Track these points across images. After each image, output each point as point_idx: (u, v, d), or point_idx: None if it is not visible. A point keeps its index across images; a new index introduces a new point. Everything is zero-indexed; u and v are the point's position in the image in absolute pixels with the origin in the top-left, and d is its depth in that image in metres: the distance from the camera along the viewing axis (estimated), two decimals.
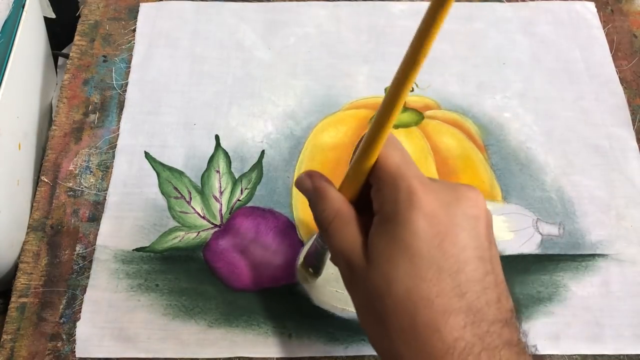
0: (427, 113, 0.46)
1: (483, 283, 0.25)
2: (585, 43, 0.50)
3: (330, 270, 0.39)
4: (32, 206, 0.42)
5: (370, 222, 0.28)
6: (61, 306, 0.38)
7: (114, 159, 0.43)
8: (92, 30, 0.50)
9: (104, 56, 0.48)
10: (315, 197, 0.29)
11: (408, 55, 0.23)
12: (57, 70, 0.52)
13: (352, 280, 0.28)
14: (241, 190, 0.42)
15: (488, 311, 0.25)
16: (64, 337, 0.37)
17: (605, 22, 0.51)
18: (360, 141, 0.28)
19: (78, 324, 0.37)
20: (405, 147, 0.44)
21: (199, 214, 0.41)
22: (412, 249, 0.25)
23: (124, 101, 0.46)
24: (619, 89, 0.47)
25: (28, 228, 0.41)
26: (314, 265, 0.36)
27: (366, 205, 0.28)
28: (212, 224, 0.41)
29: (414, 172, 0.27)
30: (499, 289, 0.26)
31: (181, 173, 0.43)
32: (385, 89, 0.46)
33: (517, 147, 0.44)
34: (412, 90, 0.47)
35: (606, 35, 0.50)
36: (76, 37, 0.49)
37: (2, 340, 0.36)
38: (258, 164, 0.43)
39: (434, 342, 0.24)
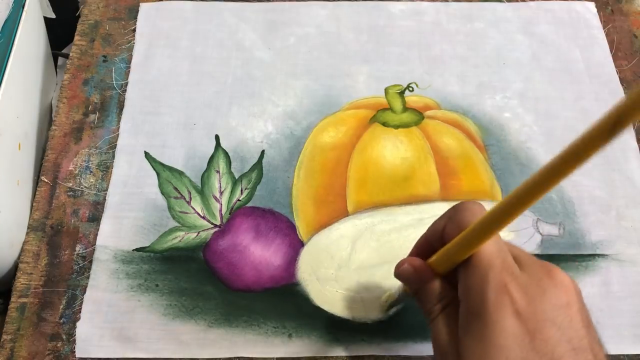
0: (427, 113, 0.46)
1: None
2: (585, 43, 0.50)
3: (330, 271, 0.39)
4: (32, 206, 0.42)
5: (456, 302, 0.27)
6: (61, 306, 0.38)
7: (114, 159, 0.43)
8: (92, 30, 0.50)
9: (104, 56, 0.48)
10: (422, 293, 0.29)
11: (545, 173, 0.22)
12: (57, 70, 0.52)
13: None
14: (241, 191, 0.42)
15: None
16: (64, 337, 0.37)
17: (605, 22, 0.51)
18: (452, 213, 0.28)
19: (78, 324, 0.37)
20: (405, 147, 0.44)
21: (199, 214, 0.41)
22: (505, 351, 0.24)
23: (124, 101, 0.46)
24: (619, 89, 0.47)
25: (28, 228, 0.41)
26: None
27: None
28: (212, 224, 0.41)
29: (504, 263, 0.26)
30: None
31: (181, 173, 0.43)
32: (386, 90, 0.47)
33: (517, 147, 0.44)
34: (412, 90, 0.47)
35: (606, 35, 0.50)
36: (76, 37, 0.49)
37: (2, 340, 0.36)
38: (258, 164, 0.43)
39: None
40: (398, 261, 0.31)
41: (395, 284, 0.34)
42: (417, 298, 0.30)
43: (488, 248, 0.26)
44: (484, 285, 0.25)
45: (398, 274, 0.31)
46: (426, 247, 0.30)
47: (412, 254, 0.31)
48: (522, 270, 0.26)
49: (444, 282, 0.29)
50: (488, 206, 0.30)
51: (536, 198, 0.22)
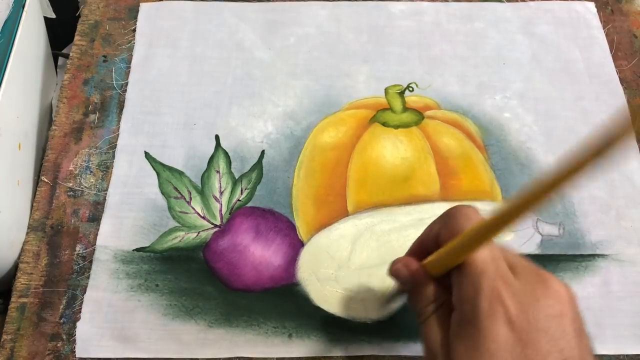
0: (427, 113, 0.46)
1: None
2: (585, 43, 0.50)
3: (330, 271, 0.39)
4: (32, 206, 0.42)
5: (449, 308, 0.27)
6: (61, 306, 0.38)
7: (114, 159, 0.43)
8: (92, 30, 0.50)
9: (104, 56, 0.48)
10: (415, 293, 0.29)
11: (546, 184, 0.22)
12: (57, 70, 0.52)
13: None
14: (241, 191, 0.42)
15: None
16: (64, 337, 0.37)
17: (605, 22, 0.51)
18: (446, 219, 0.28)
19: (78, 324, 0.37)
20: (405, 147, 0.44)
21: (199, 214, 0.41)
22: (495, 359, 0.24)
23: (124, 101, 0.46)
24: (619, 89, 0.47)
25: (28, 228, 0.41)
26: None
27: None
28: (212, 224, 0.41)
29: (498, 270, 0.26)
30: None
31: (181, 173, 0.43)
32: (386, 90, 0.47)
33: (517, 147, 0.44)
34: (412, 90, 0.47)
35: (606, 35, 0.50)
36: (76, 37, 0.49)
37: (2, 340, 0.36)
38: (258, 164, 0.43)
39: None
40: None
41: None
42: (409, 298, 0.30)
43: (481, 255, 0.26)
44: (477, 293, 0.25)
45: (393, 273, 0.31)
46: (421, 249, 0.30)
47: (408, 255, 0.31)
48: (516, 277, 0.26)
49: (437, 284, 0.29)
50: (488, 207, 0.30)
51: (533, 207, 0.22)
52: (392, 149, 0.44)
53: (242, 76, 0.48)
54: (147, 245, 0.40)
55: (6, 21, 0.41)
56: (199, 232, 0.40)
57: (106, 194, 0.42)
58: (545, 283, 0.26)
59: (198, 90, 0.47)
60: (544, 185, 0.21)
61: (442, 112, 0.46)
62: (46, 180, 0.42)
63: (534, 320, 0.25)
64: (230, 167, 0.43)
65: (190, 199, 0.42)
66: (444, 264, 0.28)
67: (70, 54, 0.48)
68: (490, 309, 0.25)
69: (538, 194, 0.22)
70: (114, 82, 0.47)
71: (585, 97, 0.47)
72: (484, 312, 0.25)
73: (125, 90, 0.46)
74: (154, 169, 0.43)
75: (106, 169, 0.43)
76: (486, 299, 0.25)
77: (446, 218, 0.28)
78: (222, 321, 0.37)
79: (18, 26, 0.42)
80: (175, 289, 0.38)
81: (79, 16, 0.50)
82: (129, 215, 0.41)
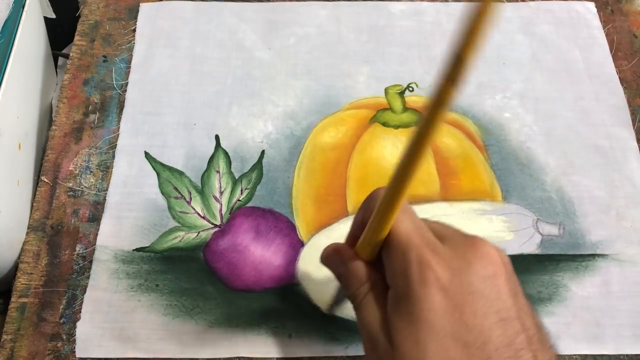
0: None
1: (514, 346, 0.24)
2: (585, 43, 0.50)
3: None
4: (32, 206, 0.42)
5: (386, 288, 0.27)
6: (61, 306, 0.38)
7: (114, 159, 0.43)
8: (92, 30, 0.50)
9: (104, 56, 0.48)
10: (345, 274, 0.29)
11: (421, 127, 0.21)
12: (57, 70, 0.52)
13: (372, 356, 0.27)
14: (241, 191, 0.42)
15: None
16: (64, 337, 0.37)
17: (605, 22, 0.51)
18: (365, 202, 0.28)
19: (78, 324, 0.37)
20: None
21: (199, 214, 0.41)
22: (435, 327, 0.24)
23: (124, 101, 0.46)
24: (619, 89, 0.47)
25: (28, 228, 0.41)
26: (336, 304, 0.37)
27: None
28: (212, 224, 0.41)
29: (423, 239, 0.26)
30: (533, 346, 0.24)
31: (181, 173, 0.43)
32: (386, 90, 0.47)
33: (517, 147, 0.44)
34: (412, 90, 0.47)
35: (606, 35, 0.50)
36: (76, 37, 0.49)
37: (2, 340, 0.36)
38: (258, 164, 0.43)
39: None
40: None
41: None
42: (342, 282, 0.29)
43: (404, 227, 0.26)
44: (406, 264, 0.25)
45: (322, 260, 0.30)
46: (351, 239, 0.30)
47: None
48: (445, 244, 0.26)
49: (368, 265, 0.28)
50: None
51: (419, 162, 0.22)
52: (392, 149, 0.44)
53: (242, 76, 0.48)
54: (147, 245, 0.40)
55: (6, 21, 0.41)
56: (199, 232, 0.40)
57: (106, 194, 0.42)
58: (475, 246, 0.26)
59: (198, 90, 0.47)
60: (421, 131, 0.21)
61: None
62: (46, 180, 0.42)
63: (467, 284, 0.24)
64: (230, 167, 0.43)
65: (190, 199, 0.42)
66: (370, 245, 0.27)
67: (70, 54, 0.48)
68: (421, 278, 0.24)
69: (422, 132, 0.21)
70: (114, 82, 0.47)
71: (585, 97, 0.47)
72: (416, 282, 0.24)
73: (125, 90, 0.46)
74: (154, 169, 0.43)
75: (106, 169, 0.43)
76: (416, 269, 0.25)
77: (365, 202, 0.28)
78: (222, 321, 0.37)
79: (18, 26, 0.42)
80: (175, 289, 0.38)
81: (79, 16, 0.50)
82: (129, 215, 0.41)
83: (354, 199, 0.42)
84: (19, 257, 0.40)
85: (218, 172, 0.43)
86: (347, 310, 0.38)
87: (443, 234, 0.27)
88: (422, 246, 0.25)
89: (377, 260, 0.28)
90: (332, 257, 0.30)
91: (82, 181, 0.42)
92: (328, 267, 0.30)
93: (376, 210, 0.26)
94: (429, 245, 0.25)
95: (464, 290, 0.24)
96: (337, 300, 0.35)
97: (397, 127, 0.45)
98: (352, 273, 0.28)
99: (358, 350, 0.37)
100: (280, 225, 0.41)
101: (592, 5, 0.52)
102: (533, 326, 0.25)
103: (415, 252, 0.25)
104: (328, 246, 0.30)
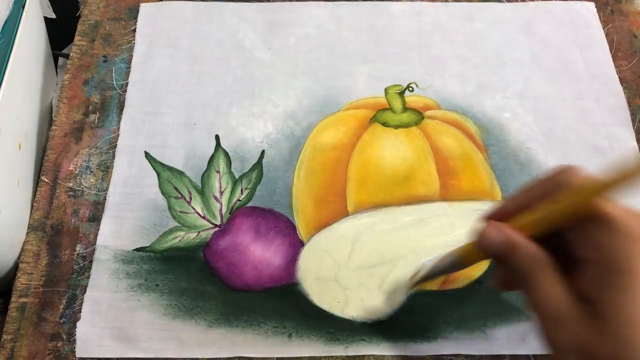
0: (427, 113, 0.46)
1: None
2: (585, 43, 0.50)
3: (331, 271, 0.39)
4: (32, 206, 0.42)
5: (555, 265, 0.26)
6: (61, 306, 0.38)
7: (114, 159, 0.43)
8: (92, 31, 0.50)
9: (104, 56, 0.48)
10: (516, 253, 0.27)
11: None
12: (57, 70, 0.52)
13: (574, 344, 0.25)
14: (241, 190, 0.42)
15: None
16: (64, 337, 0.37)
17: (605, 22, 0.51)
18: (558, 177, 0.27)
19: (78, 324, 0.37)
20: (405, 147, 0.44)
21: (199, 214, 0.41)
22: None
23: (124, 101, 0.46)
24: (619, 89, 0.47)
25: (28, 228, 0.41)
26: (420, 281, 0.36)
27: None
28: (212, 224, 0.41)
29: (635, 214, 0.25)
30: None
31: (181, 173, 0.43)
32: (386, 90, 0.47)
33: (517, 147, 0.44)
34: (412, 90, 0.47)
35: (606, 35, 0.50)
36: (76, 37, 0.49)
37: (2, 340, 0.37)
38: (258, 164, 0.43)
39: None
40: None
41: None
42: (505, 264, 0.28)
43: (616, 205, 0.25)
44: (624, 239, 0.25)
45: (482, 239, 0.28)
46: (513, 210, 0.28)
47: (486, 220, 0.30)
48: None
49: (537, 243, 0.27)
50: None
51: None
52: (392, 149, 0.44)
53: (242, 76, 0.48)
54: (147, 245, 0.40)
55: (6, 21, 0.41)
56: (199, 232, 0.40)
57: (106, 194, 0.42)
58: None
59: (198, 90, 0.47)
60: None
61: (442, 112, 0.46)
62: (46, 180, 0.42)
63: None
64: (230, 167, 0.43)
65: (191, 199, 0.42)
66: (553, 221, 0.26)
67: (70, 54, 0.48)
68: None
69: None
70: (114, 82, 0.47)
71: (585, 97, 0.47)
72: (638, 256, 0.24)
73: (126, 90, 0.46)
74: (154, 169, 0.43)
75: (106, 169, 0.43)
76: (632, 240, 0.24)
77: (554, 176, 0.27)
78: (222, 321, 0.37)
79: (18, 26, 0.42)
80: (175, 289, 0.38)
81: (79, 16, 0.50)
82: (129, 215, 0.41)
83: (354, 199, 0.42)
84: (19, 257, 0.40)
85: (218, 172, 0.43)
86: (348, 310, 0.38)
87: None
88: (638, 221, 0.25)
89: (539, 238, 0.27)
90: (495, 236, 0.28)
91: (82, 181, 0.42)
92: (489, 247, 0.28)
93: (591, 190, 0.25)
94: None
95: None
96: (436, 275, 0.35)
97: (397, 127, 0.45)
98: (526, 251, 0.27)
99: (358, 350, 0.37)
100: (280, 225, 0.41)
101: (592, 5, 0.52)
102: None
103: (634, 227, 0.25)
104: (484, 226, 0.28)
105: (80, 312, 0.37)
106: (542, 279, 0.26)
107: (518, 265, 0.27)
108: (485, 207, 0.30)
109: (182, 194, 0.42)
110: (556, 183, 0.27)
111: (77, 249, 0.40)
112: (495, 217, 0.29)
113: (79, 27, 0.50)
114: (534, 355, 0.37)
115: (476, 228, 0.29)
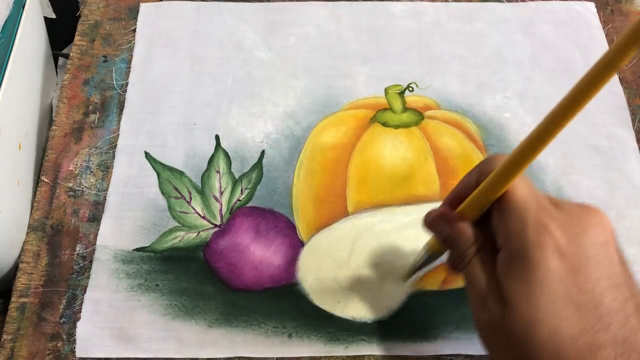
0: (427, 113, 0.46)
1: (624, 311, 0.25)
2: (585, 43, 0.50)
3: (331, 271, 0.39)
4: (32, 206, 0.42)
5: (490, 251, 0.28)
6: (61, 306, 0.38)
7: (114, 159, 0.43)
8: (92, 30, 0.50)
9: (104, 56, 0.48)
10: (453, 235, 0.29)
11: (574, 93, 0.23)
12: (57, 70, 0.52)
13: (488, 323, 0.27)
14: (241, 190, 0.42)
15: (635, 339, 0.24)
16: (64, 337, 0.37)
17: (605, 22, 0.51)
18: (482, 165, 0.28)
19: (78, 324, 0.37)
20: (405, 147, 0.44)
21: (199, 214, 0.41)
22: (549, 288, 0.25)
23: (124, 101, 0.46)
24: (619, 89, 0.47)
25: (28, 228, 0.41)
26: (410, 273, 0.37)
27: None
28: (212, 224, 0.41)
29: (540, 204, 0.26)
30: None
31: (181, 173, 0.43)
32: (386, 90, 0.47)
33: None
34: (412, 90, 0.47)
35: (606, 35, 0.50)
36: (76, 37, 0.49)
37: (2, 340, 0.37)
38: (258, 164, 0.43)
39: None
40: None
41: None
42: (448, 244, 0.30)
43: (522, 191, 0.26)
44: (523, 227, 0.26)
45: (429, 224, 0.31)
46: (455, 200, 0.30)
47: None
48: (559, 210, 0.26)
49: (474, 226, 0.29)
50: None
51: (556, 132, 0.24)
52: (392, 149, 0.44)
53: (242, 76, 0.48)
54: (147, 245, 0.40)
55: (6, 21, 0.41)
56: (199, 232, 0.40)
57: (106, 194, 0.42)
58: (590, 214, 0.26)
59: (198, 90, 0.47)
60: (563, 107, 0.23)
61: (442, 112, 0.46)
62: (46, 180, 0.42)
63: (583, 249, 0.25)
64: (230, 167, 0.43)
65: (191, 199, 0.42)
66: (480, 204, 0.28)
67: (70, 54, 0.48)
68: (539, 241, 0.25)
69: (560, 116, 0.23)
70: (114, 82, 0.47)
71: None
72: (533, 244, 0.25)
73: (126, 91, 0.46)
74: (154, 169, 0.43)
75: (106, 169, 0.43)
76: (534, 232, 0.25)
77: (482, 164, 0.29)
78: (222, 321, 0.37)
79: (18, 26, 0.42)
80: (175, 289, 0.38)
81: (79, 16, 0.50)
82: (129, 215, 0.41)
83: (354, 199, 0.42)
84: (19, 257, 0.40)
85: (218, 172, 0.43)
86: (347, 310, 0.38)
87: (556, 201, 0.27)
88: (540, 210, 0.26)
89: (481, 223, 0.28)
90: (438, 219, 0.30)
91: (82, 181, 0.42)
92: (433, 230, 0.31)
93: (498, 170, 0.26)
94: (546, 209, 0.26)
95: (580, 255, 0.25)
96: (419, 267, 0.36)
97: (397, 127, 0.45)
98: (461, 234, 0.29)
99: (358, 350, 0.37)
100: (280, 225, 0.41)
101: (592, 5, 0.52)
102: (638, 295, 0.26)
103: (533, 215, 0.26)
104: (431, 211, 0.31)
105: (80, 312, 0.37)
106: (473, 261, 0.28)
107: (454, 246, 0.29)
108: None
109: (182, 194, 0.42)
110: (482, 170, 0.28)
111: (77, 249, 0.40)
112: (454, 200, 0.31)
113: (79, 27, 0.50)
114: None
115: (427, 215, 0.31)
